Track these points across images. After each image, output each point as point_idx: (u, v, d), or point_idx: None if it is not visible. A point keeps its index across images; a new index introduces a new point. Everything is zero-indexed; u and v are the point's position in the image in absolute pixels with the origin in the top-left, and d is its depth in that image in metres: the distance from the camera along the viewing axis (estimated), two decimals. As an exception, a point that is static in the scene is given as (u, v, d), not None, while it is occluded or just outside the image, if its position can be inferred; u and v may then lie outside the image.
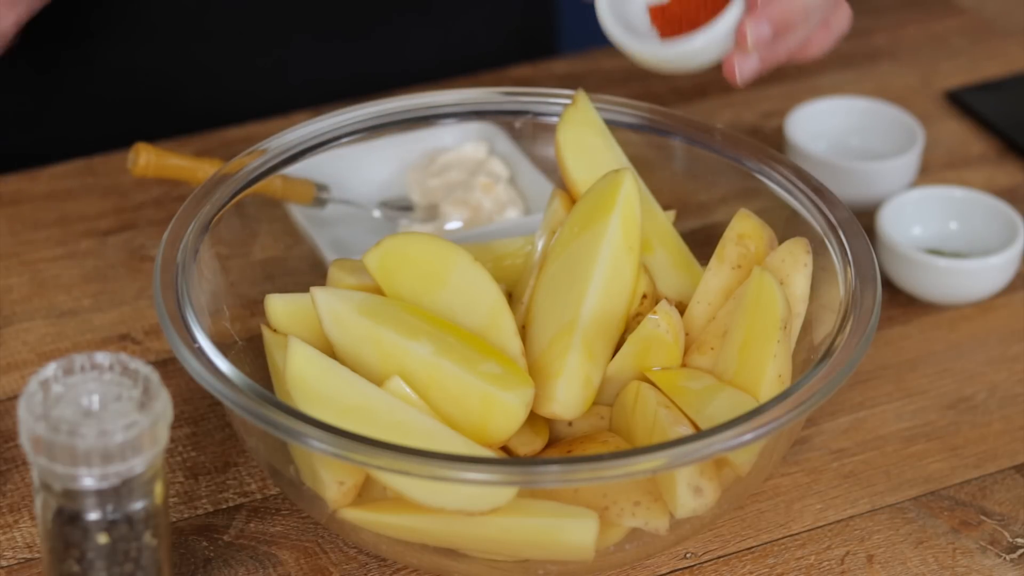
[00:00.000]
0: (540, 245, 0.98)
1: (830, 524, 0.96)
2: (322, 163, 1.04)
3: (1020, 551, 0.95)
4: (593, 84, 1.28)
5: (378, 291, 0.95)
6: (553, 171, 1.08)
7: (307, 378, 0.88)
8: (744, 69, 0.93)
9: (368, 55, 1.33)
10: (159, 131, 1.22)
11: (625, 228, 0.94)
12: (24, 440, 0.79)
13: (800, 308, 0.94)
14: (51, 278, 1.12)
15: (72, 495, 0.79)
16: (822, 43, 0.97)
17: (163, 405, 0.80)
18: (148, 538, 0.81)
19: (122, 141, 1.18)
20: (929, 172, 1.24)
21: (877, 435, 1.02)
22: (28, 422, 0.78)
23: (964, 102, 1.32)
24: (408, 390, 0.89)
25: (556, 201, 0.99)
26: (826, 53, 0.98)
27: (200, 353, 0.87)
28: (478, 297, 0.93)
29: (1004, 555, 0.95)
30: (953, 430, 1.03)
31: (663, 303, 0.93)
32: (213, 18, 1.27)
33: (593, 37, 1.40)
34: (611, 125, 1.02)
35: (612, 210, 0.94)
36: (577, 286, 0.94)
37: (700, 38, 0.93)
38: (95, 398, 0.80)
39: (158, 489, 0.81)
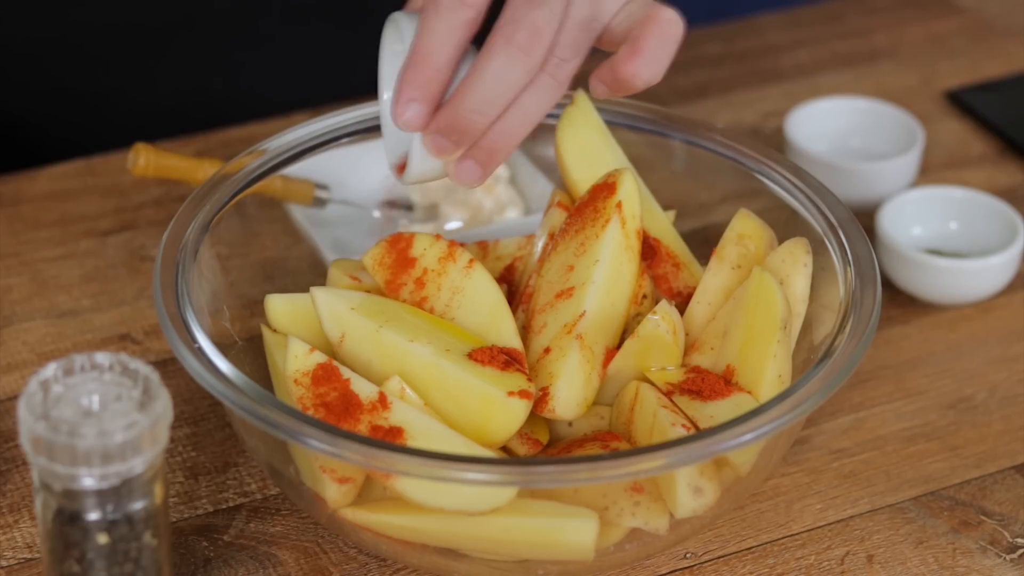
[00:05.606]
0: (540, 245, 0.98)
1: (830, 524, 0.96)
2: (322, 163, 1.04)
3: (1020, 551, 0.95)
4: (593, 84, 1.28)
5: (378, 291, 0.95)
6: (553, 171, 1.08)
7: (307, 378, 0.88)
8: (463, 176, 0.89)
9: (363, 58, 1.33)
10: (159, 131, 1.22)
11: (625, 228, 0.94)
12: (24, 440, 0.79)
13: (800, 308, 0.94)
14: (51, 278, 1.12)
15: (72, 495, 0.79)
16: (637, 70, 0.87)
17: (163, 405, 0.80)
18: (148, 538, 0.81)
19: (122, 141, 1.18)
20: (929, 172, 1.24)
21: (877, 435, 1.02)
22: (28, 422, 0.78)
23: (964, 102, 1.32)
24: (408, 390, 0.89)
25: (556, 201, 0.99)
26: (657, 74, 0.88)
27: (200, 353, 0.87)
28: (478, 297, 0.93)
29: (1004, 555, 0.95)
30: (953, 430, 1.03)
31: (663, 303, 0.93)
32: (212, 20, 1.27)
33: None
34: (611, 125, 1.02)
35: (612, 210, 0.94)
36: (577, 286, 0.94)
37: (409, 173, 0.90)
38: (95, 398, 0.80)
39: (158, 489, 0.81)
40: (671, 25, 0.88)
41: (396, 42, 0.90)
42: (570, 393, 0.92)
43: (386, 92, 0.91)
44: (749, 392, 0.91)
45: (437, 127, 0.87)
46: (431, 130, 0.88)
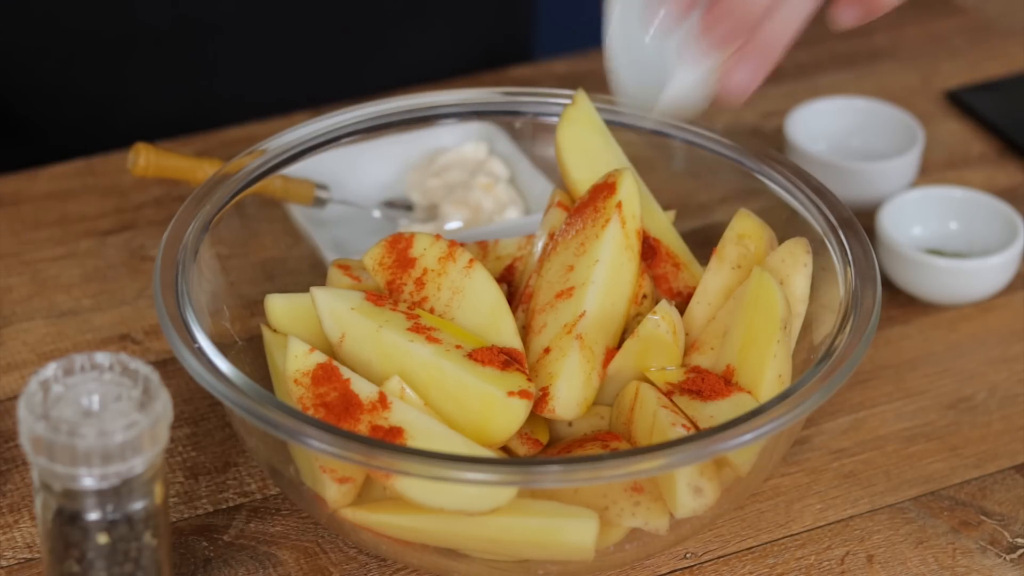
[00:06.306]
0: (540, 245, 0.98)
1: (830, 524, 0.96)
2: (322, 163, 1.04)
3: (1020, 551, 0.95)
4: (593, 84, 1.28)
5: (378, 290, 0.95)
6: (553, 171, 1.08)
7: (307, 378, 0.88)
8: (736, 80, 0.86)
9: (365, 59, 1.33)
10: (159, 134, 1.22)
11: (625, 228, 0.94)
12: (24, 440, 0.79)
13: (800, 308, 0.94)
14: (51, 278, 1.12)
15: (72, 495, 0.79)
16: None
17: (163, 405, 0.80)
18: (148, 538, 0.81)
19: (122, 143, 1.18)
20: (929, 172, 1.24)
21: (877, 435, 1.02)
22: (28, 422, 0.78)
23: (964, 102, 1.32)
24: (408, 390, 0.89)
25: (556, 201, 0.99)
26: None
27: (200, 353, 0.87)
28: (478, 297, 0.93)
29: (1004, 555, 0.95)
30: (953, 430, 1.03)
31: (663, 303, 0.93)
32: (214, 20, 1.27)
33: (569, 44, 1.39)
34: (611, 125, 1.02)
35: (612, 210, 0.94)
36: (577, 286, 0.94)
37: (672, 92, 0.88)
38: (95, 398, 0.80)
39: (158, 489, 0.81)
40: None
41: None
42: (570, 393, 0.92)
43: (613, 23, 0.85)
44: (749, 392, 0.91)
45: (710, 18, 0.83)
46: (704, 22, 0.83)
